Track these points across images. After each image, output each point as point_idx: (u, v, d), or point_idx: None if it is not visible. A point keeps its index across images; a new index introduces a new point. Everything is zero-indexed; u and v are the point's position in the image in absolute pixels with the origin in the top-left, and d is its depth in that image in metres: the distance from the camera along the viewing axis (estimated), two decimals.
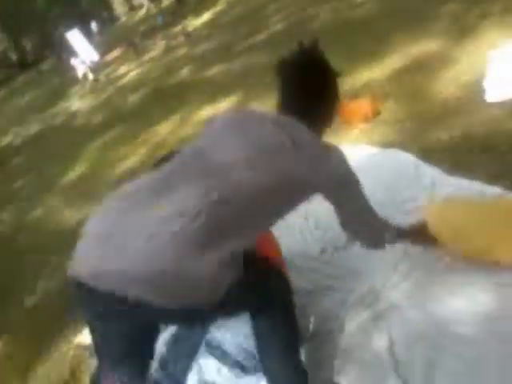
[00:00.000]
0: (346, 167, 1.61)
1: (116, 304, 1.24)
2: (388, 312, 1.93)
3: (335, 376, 1.79)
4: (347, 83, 4.43)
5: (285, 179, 1.45)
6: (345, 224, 1.75)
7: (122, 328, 1.39)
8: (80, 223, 4.07)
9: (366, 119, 3.50)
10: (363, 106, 3.54)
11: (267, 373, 1.61)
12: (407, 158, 2.81)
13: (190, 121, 5.79)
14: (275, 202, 1.49)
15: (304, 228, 2.67)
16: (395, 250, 2.20)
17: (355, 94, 3.90)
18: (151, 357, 1.56)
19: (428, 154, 2.77)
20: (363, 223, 1.76)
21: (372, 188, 2.75)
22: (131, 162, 5.36)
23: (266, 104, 4.98)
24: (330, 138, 3.44)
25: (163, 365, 2.10)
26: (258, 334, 1.60)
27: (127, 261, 1.22)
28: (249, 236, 1.43)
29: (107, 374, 1.48)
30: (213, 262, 1.25)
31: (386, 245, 1.81)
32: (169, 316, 1.40)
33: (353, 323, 1.96)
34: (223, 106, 5.57)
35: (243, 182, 1.39)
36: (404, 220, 2.39)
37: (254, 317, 1.59)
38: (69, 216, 4.67)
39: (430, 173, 2.60)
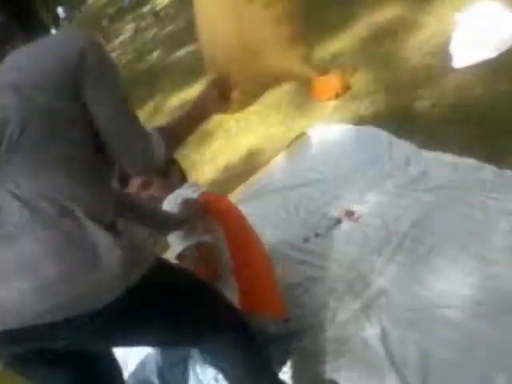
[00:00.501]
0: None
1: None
2: (377, 299, 1.94)
3: (328, 369, 1.80)
4: (316, 57, 4.37)
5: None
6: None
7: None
8: None
9: (337, 95, 3.46)
10: (333, 81, 3.50)
11: None
12: (380, 135, 2.80)
13: (164, 109, 5.71)
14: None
15: (285, 216, 2.67)
16: (376, 234, 2.23)
17: (325, 69, 3.83)
18: None
19: (400, 128, 2.76)
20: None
21: (347, 168, 2.78)
22: None
23: None
24: (304, 118, 3.46)
25: (160, 373, 2.09)
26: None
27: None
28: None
29: None
30: None
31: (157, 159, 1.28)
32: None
33: (344, 313, 1.96)
34: (194, 91, 5.48)
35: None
36: (381, 202, 2.41)
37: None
38: None
39: (404, 149, 2.60)
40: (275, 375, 1.61)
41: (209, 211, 1.89)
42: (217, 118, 4.37)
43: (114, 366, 1.40)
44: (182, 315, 1.31)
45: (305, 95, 3.72)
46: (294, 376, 1.83)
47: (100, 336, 1.19)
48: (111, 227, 1.19)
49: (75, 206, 1.12)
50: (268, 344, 1.72)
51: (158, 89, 6.46)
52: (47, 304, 1.06)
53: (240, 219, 2.04)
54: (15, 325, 1.07)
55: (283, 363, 1.87)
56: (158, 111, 5.76)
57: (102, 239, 1.12)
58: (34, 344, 1.15)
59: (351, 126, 3.08)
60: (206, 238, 1.78)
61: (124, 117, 1.22)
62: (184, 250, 1.73)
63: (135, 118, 1.25)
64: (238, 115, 4.15)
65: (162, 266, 1.30)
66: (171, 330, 1.32)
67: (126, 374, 1.91)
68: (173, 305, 1.29)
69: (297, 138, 3.27)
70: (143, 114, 5.95)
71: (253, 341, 1.51)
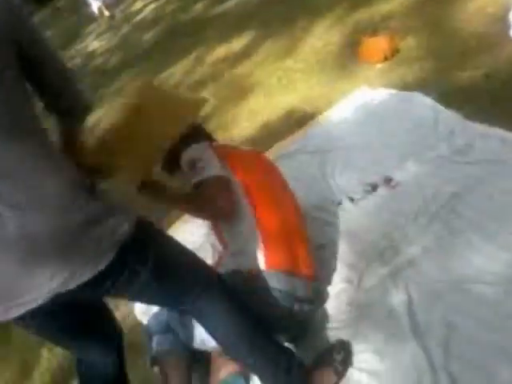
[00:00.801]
0: None
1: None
2: (407, 268, 1.92)
3: (349, 332, 1.81)
4: (365, 17, 4.24)
5: None
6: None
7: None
8: None
9: (385, 58, 3.35)
10: (382, 43, 3.38)
11: None
12: (426, 103, 2.71)
13: (205, 61, 5.65)
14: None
15: (320, 179, 2.65)
16: (413, 203, 2.19)
17: (374, 30, 3.72)
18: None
19: (448, 97, 2.66)
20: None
21: (389, 134, 2.72)
22: None
23: (280, 41, 4.83)
24: (349, 81, 3.38)
25: (181, 319, 2.08)
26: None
27: None
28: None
29: None
30: None
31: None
32: None
33: (371, 279, 1.95)
34: (237, 45, 5.41)
35: None
36: (421, 171, 2.36)
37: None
38: None
39: (450, 120, 2.51)
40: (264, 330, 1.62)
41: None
42: (258, 75, 4.34)
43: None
44: (168, 276, 1.39)
45: (351, 57, 3.63)
46: (312, 340, 1.85)
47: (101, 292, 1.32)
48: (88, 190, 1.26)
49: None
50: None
51: (201, 40, 6.39)
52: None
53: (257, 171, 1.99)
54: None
55: (304, 328, 1.89)
56: (200, 62, 5.70)
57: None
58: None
59: (397, 92, 2.99)
60: (223, 173, 1.76)
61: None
62: (202, 180, 1.72)
63: None
64: (280, 72, 4.10)
65: (146, 225, 1.37)
66: (159, 290, 1.40)
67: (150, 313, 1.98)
68: (159, 265, 1.35)
69: (339, 99, 3.21)
70: (184, 65, 5.92)
71: (233, 293, 1.56)
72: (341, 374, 1.65)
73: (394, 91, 3.01)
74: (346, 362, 1.67)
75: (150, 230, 1.39)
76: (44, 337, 1.53)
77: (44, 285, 1.15)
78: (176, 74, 5.86)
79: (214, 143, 1.97)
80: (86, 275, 1.18)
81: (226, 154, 1.87)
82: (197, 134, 1.97)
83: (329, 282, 2.02)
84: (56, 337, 1.49)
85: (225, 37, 5.90)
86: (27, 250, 1.13)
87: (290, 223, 1.89)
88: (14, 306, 1.17)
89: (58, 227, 1.16)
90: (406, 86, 2.99)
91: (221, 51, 5.54)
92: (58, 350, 2.28)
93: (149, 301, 1.64)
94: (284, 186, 2.05)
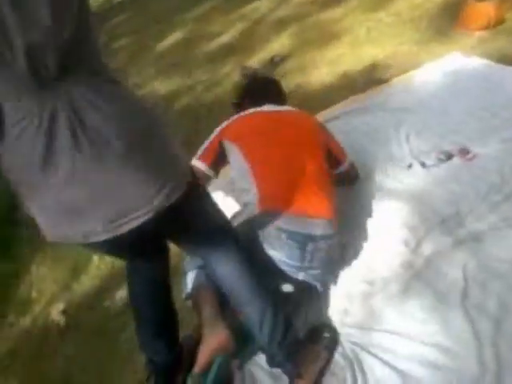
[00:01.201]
0: None
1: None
2: (470, 242, 1.88)
3: (395, 290, 1.81)
4: None
5: None
6: None
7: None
8: (168, 94, 4.15)
9: (487, 26, 3.16)
10: (486, 9, 3.18)
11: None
12: None
13: (292, 1, 5.49)
14: None
15: (394, 138, 2.58)
16: (487, 179, 2.12)
17: None
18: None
19: None
20: None
21: (475, 105, 2.60)
22: (226, 37, 5.25)
23: None
24: (442, 45, 3.22)
25: None
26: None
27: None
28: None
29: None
30: None
31: None
32: None
33: (431, 245, 1.92)
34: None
35: None
36: (502, 148, 2.26)
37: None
38: (158, 86, 4.74)
39: None
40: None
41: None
42: (347, 23, 4.18)
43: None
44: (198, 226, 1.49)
45: (450, 19, 3.44)
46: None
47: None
48: None
49: None
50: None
51: None
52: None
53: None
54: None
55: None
56: (285, 2, 5.54)
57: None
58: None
59: (491, 63, 2.83)
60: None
61: None
62: None
63: None
64: (370, 23, 3.94)
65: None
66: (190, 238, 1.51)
67: None
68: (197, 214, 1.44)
69: (428, 61, 3.07)
70: (270, 2, 5.77)
71: (244, 246, 1.60)
72: (330, 354, 1.66)
73: (488, 62, 2.86)
74: (335, 341, 1.68)
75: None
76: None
77: (154, 197, 1.21)
78: (260, 8, 5.73)
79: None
80: (174, 197, 1.25)
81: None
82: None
83: (384, 244, 2.00)
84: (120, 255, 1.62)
85: None
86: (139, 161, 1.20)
87: (298, 163, 1.85)
88: (128, 220, 1.22)
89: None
90: (502, 59, 2.83)
91: None
92: (109, 258, 2.36)
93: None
94: (300, 135, 1.97)
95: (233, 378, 1.65)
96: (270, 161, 1.84)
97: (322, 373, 1.60)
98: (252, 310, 1.56)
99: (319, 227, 1.74)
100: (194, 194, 1.39)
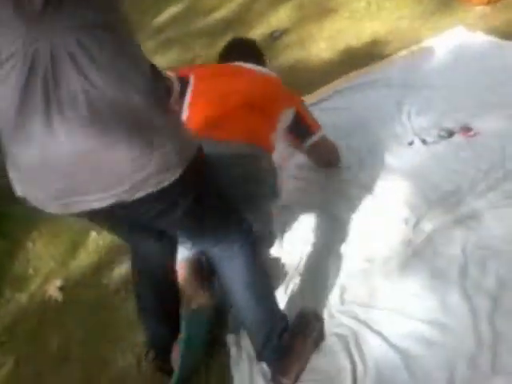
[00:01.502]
0: None
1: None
2: (469, 220, 1.86)
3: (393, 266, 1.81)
4: None
5: None
6: None
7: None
8: (169, 68, 4.06)
9: (490, 1, 3.09)
10: None
11: None
12: None
13: None
14: None
15: (395, 115, 2.55)
16: (489, 157, 2.10)
17: None
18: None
19: None
20: None
21: (477, 82, 2.56)
22: (224, 11, 5.14)
23: None
24: (445, 19, 3.15)
25: None
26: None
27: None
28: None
29: None
30: None
31: None
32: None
33: (430, 222, 1.91)
34: None
35: None
36: (504, 126, 2.23)
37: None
38: (159, 59, 4.65)
39: None
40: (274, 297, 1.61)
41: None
42: None
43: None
44: (207, 217, 1.34)
45: None
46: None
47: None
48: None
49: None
50: None
51: None
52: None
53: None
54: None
55: None
56: None
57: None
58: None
59: (496, 39, 2.78)
60: None
61: None
62: None
63: None
64: None
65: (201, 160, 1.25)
66: (195, 229, 1.38)
67: None
68: (199, 203, 1.27)
69: (430, 36, 3.02)
70: None
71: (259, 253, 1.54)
72: (318, 344, 1.64)
73: (492, 38, 2.81)
74: (323, 335, 1.66)
75: (201, 163, 1.24)
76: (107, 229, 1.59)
77: (112, 186, 1.09)
78: None
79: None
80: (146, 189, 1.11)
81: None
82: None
83: (384, 222, 1.99)
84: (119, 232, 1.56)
85: None
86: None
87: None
88: (75, 201, 1.11)
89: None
90: (507, 34, 2.77)
91: None
92: (107, 234, 2.29)
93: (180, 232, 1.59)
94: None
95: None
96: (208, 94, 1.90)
97: (303, 368, 1.58)
98: (250, 319, 1.53)
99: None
100: (194, 186, 1.23)
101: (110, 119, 1.04)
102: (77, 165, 1.05)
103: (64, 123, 1.02)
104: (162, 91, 1.23)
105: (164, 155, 1.08)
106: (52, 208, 1.14)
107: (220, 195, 1.37)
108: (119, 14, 1.10)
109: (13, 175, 1.15)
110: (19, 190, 1.16)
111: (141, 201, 1.10)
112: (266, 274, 1.58)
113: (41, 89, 1.01)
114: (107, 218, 1.30)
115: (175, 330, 1.58)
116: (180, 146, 1.14)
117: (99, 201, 1.08)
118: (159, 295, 1.62)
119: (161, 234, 1.54)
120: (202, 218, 1.33)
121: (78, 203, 1.11)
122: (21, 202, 1.18)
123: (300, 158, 2.35)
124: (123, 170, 1.06)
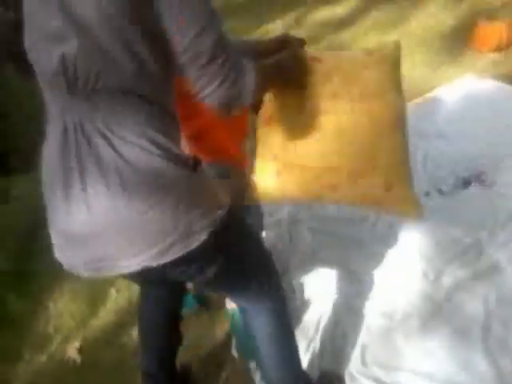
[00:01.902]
0: None
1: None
2: (490, 274, 1.85)
3: (415, 324, 1.78)
4: (484, 1, 3.95)
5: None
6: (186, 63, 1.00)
7: None
8: None
9: (499, 47, 3.13)
10: (498, 31, 3.16)
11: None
12: None
13: (305, 22, 5.50)
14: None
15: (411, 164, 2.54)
16: (506, 206, 2.08)
17: (491, 16, 3.46)
18: None
19: None
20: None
21: (491, 129, 2.56)
22: None
23: (386, 12, 4.62)
24: (455, 67, 3.19)
25: None
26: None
27: None
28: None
29: None
30: None
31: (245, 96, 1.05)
32: None
33: (451, 278, 1.89)
34: (340, 10, 5.22)
35: None
36: None
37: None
38: None
39: None
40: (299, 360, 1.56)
41: None
42: (360, 44, 4.17)
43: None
44: (234, 281, 1.33)
45: (462, 41, 3.42)
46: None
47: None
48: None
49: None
50: None
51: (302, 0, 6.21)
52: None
53: None
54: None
55: None
56: (298, 24, 5.56)
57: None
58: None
59: (506, 85, 2.80)
60: None
61: None
62: None
63: None
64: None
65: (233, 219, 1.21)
66: (223, 286, 1.36)
67: None
68: (232, 264, 1.25)
69: (441, 84, 3.05)
70: (283, 24, 5.79)
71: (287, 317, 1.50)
72: None
73: (503, 84, 2.83)
74: None
75: (226, 226, 1.17)
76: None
77: (139, 253, 1.09)
78: (274, 31, 5.75)
79: None
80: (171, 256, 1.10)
81: None
82: None
83: (402, 276, 1.97)
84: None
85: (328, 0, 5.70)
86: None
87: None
88: (105, 265, 1.13)
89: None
90: None
91: (322, 14, 5.36)
92: (127, 292, 2.35)
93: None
94: None
95: None
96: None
97: None
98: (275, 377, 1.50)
99: None
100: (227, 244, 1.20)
101: (140, 188, 1.05)
102: (107, 234, 1.07)
103: (94, 194, 1.03)
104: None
105: (189, 221, 1.08)
106: (86, 273, 1.16)
107: (247, 255, 1.33)
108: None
109: (53, 239, 1.17)
110: (56, 253, 1.18)
111: (165, 266, 1.10)
112: (292, 335, 1.54)
113: (74, 157, 1.03)
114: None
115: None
116: (204, 210, 1.12)
117: (128, 267, 1.10)
118: (163, 336, 1.66)
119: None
120: (229, 281, 1.32)
121: (109, 268, 1.13)
122: (43, 258, 1.19)
123: (318, 209, 2.35)
124: (152, 237, 1.07)
